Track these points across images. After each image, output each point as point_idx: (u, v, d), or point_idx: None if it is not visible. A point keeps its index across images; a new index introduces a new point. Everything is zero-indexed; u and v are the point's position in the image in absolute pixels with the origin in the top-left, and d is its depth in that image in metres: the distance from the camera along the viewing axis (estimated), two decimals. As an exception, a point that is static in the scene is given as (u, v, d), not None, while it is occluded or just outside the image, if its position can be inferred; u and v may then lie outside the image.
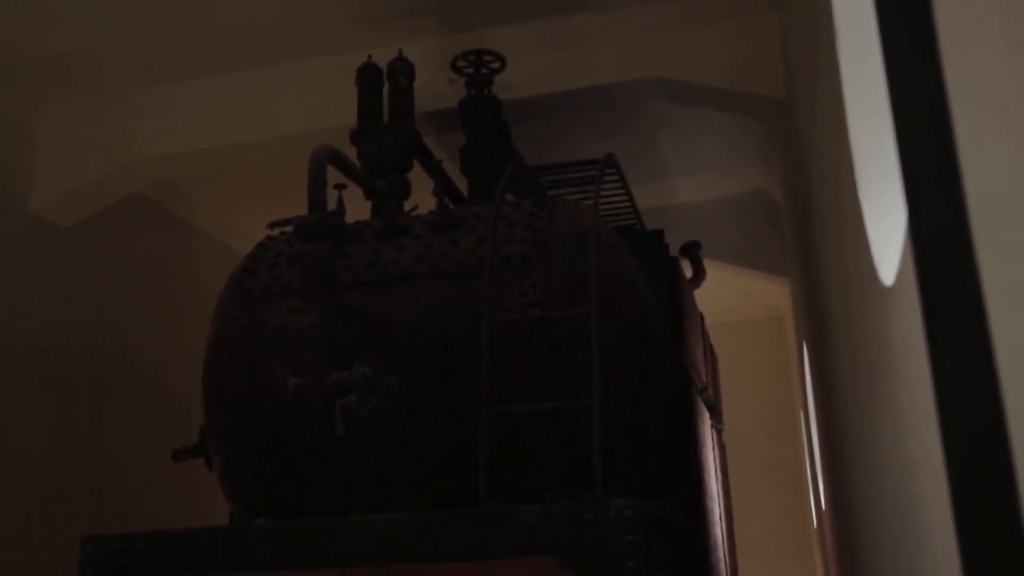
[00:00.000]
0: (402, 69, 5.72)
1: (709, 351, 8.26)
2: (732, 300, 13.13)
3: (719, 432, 7.79)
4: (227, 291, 4.88)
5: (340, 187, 5.67)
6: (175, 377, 7.91)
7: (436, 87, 6.19)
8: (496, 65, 5.92)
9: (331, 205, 5.75)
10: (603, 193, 5.72)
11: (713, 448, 7.28)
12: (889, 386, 2.05)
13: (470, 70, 5.94)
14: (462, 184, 6.08)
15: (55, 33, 6.19)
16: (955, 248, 1.38)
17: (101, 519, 6.77)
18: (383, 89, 5.74)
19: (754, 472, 12.82)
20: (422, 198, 5.56)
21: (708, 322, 8.15)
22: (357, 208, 5.48)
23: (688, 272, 7.32)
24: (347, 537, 3.85)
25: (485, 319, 4.14)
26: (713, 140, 8.61)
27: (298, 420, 4.37)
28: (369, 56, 5.80)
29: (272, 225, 5.54)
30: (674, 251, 6.55)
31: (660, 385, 4.88)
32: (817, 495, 8.84)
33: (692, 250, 7.53)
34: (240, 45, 6.48)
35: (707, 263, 7.99)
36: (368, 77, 5.71)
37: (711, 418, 7.38)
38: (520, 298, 4.35)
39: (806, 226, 5.35)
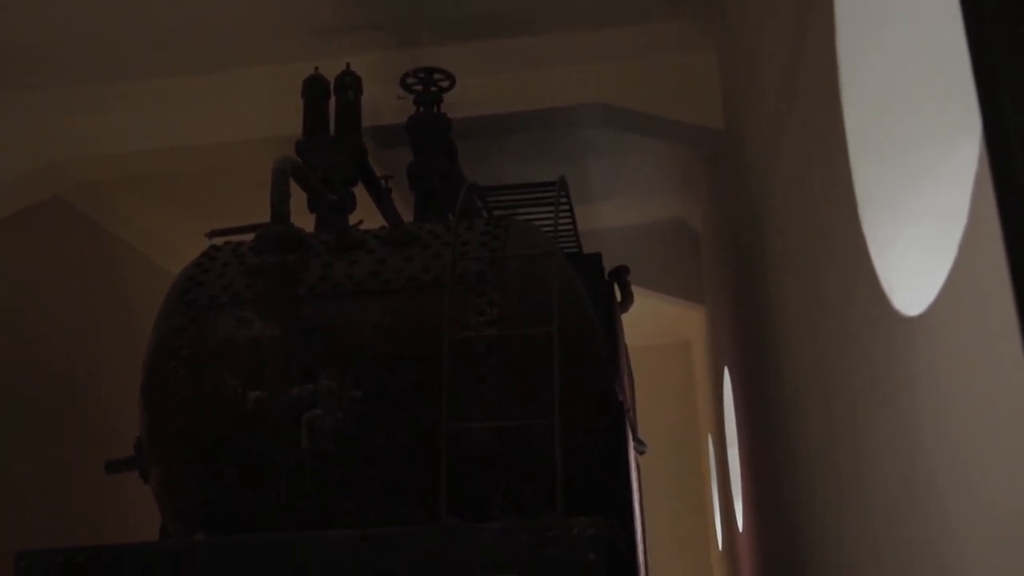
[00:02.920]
0: (350, 82, 5.69)
1: (630, 374, 8.40)
2: (642, 325, 13.38)
3: (640, 454, 7.92)
4: (171, 300, 4.75)
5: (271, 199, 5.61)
6: (94, 386, 7.65)
7: (380, 102, 6.18)
8: (445, 84, 5.95)
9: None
10: (549, 216, 5.80)
11: (635, 469, 7.41)
12: (908, 413, 2.15)
13: (419, 87, 5.95)
14: (403, 200, 6.08)
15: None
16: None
17: (17, 533, 6.51)
18: (329, 101, 5.70)
19: (660, 493, 13.06)
20: (360, 212, 5.53)
21: (619, 346, 8.29)
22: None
23: (617, 296, 7.44)
24: (301, 553, 3.79)
25: (445, 336, 4.15)
26: (638, 168, 8.80)
27: (247, 432, 4.29)
28: (316, 68, 5.76)
29: (212, 234, 5.44)
30: (600, 275, 6.65)
31: (604, 405, 4.95)
32: (728, 516, 9.05)
33: (620, 274, 7.65)
34: (181, 48, 6.35)
35: (625, 288, 8.14)
36: (315, 88, 5.66)
37: (633, 439, 7.50)
38: (477, 316, 4.37)
39: (748, 255, 5.51)
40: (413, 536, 3.76)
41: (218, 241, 5.10)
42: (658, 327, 13.50)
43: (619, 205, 9.47)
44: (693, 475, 13.80)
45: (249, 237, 5.22)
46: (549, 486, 4.17)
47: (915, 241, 2.22)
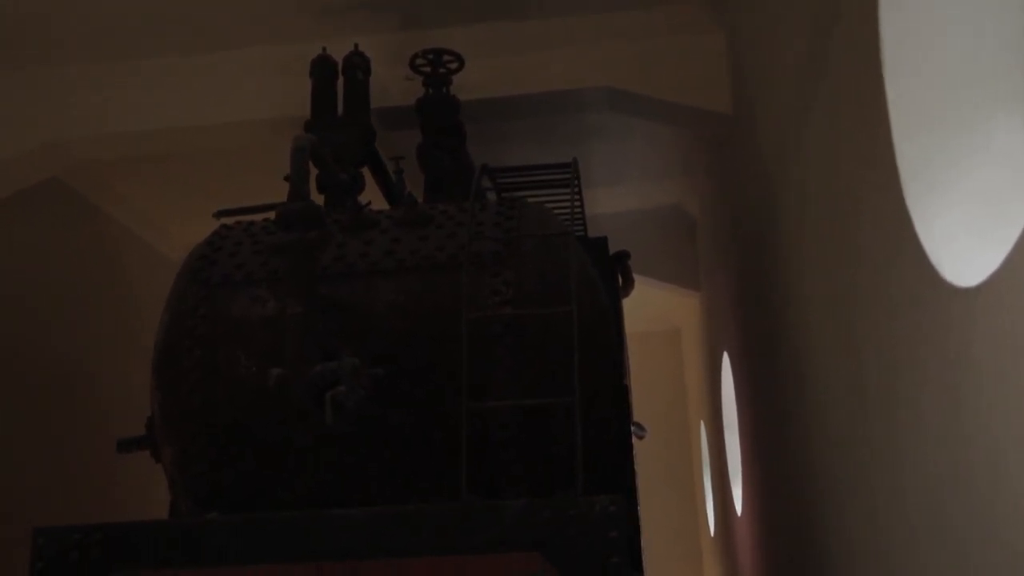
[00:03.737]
0: (358, 63, 5.67)
1: (627, 359, 8.44)
2: (634, 312, 13.39)
3: (639, 438, 7.95)
4: (183, 278, 4.73)
5: (288, 178, 5.58)
6: (93, 367, 7.61)
7: (387, 83, 6.15)
8: (454, 65, 5.93)
9: (279, 196, 5.69)
10: (558, 198, 5.80)
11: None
12: (962, 389, 2.16)
13: (427, 69, 5.93)
14: (411, 181, 6.06)
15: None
16: None
17: (17, 516, 6.48)
18: (337, 82, 5.68)
19: (649, 479, 13.10)
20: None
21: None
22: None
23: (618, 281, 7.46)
24: (323, 531, 3.78)
25: (464, 315, 4.15)
26: (638, 153, 8.82)
27: (263, 411, 4.28)
28: (324, 48, 5.73)
29: (220, 214, 5.42)
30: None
31: (616, 385, 4.98)
32: (723, 502, 9.11)
33: (622, 259, 7.66)
34: (185, 27, 6.30)
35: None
36: (323, 69, 5.64)
37: (632, 424, 7.54)
38: (492, 296, 4.38)
39: (758, 238, 5.53)
40: (435, 514, 3.76)
41: (228, 221, 5.09)
42: (650, 313, 13.52)
43: (617, 190, 9.48)
44: (682, 461, 13.86)
45: (258, 217, 5.23)
46: (564, 466, 4.19)
47: (962, 216, 2.24)
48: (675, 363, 14.55)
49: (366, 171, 5.70)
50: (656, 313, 13.73)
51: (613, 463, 5.24)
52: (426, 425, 4.25)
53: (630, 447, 6.09)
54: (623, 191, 9.68)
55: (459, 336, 4.16)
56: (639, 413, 13.07)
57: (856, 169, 2.97)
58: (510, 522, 3.70)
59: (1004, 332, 1.90)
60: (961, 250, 2.21)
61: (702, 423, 11.61)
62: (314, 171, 4.89)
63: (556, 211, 5.76)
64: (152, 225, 8.69)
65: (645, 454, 12.83)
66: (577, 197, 5.82)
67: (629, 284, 7.91)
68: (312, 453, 4.25)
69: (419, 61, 5.93)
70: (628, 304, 11.93)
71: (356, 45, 5.75)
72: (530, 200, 5.44)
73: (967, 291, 2.08)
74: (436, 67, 5.92)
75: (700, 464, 12.55)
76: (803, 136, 3.86)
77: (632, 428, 7.49)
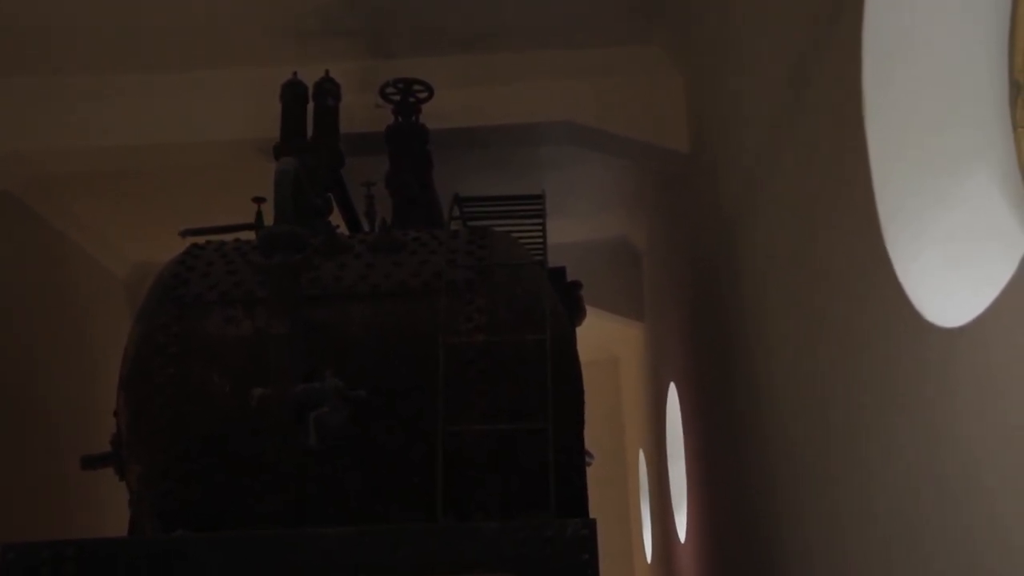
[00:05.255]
0: (329, 88, 5.75)
1: (578, 386, 8.59)
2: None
3: (588, 465, 8.09)
4: (155, 296, 4.75)
5: (260, 200, 5.63)
6: (41, 385, 7.49)
7: (356, 109, 6.24)
8: (424, 95, 6.06)
9: (248, 218, 5.73)
10: (523, 228, 5.95)
11: (582, 479, 7.58)
12: (940, 421, 2.33)
13: (397, 97, 6.04)
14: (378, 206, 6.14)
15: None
16: None
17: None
18: (308, 106, 5.75)
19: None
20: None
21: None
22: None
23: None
24: (298, 550, 3.84)
25: (440, 341, 4.26)
26: (588, 185, 9.01)
27: (235, 429, 4.32)
28: (295, 72, 5.80)
29: (186, 233, 5.46)
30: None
31: (580, 413, 5.12)
32: (664, 528, 9.29)
33: (573, 289, 7.84)
34: (153, 45, 6.31)
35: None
36: (293, 93, 5.70)
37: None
38: (466, 322, 4.50)
39: (714, 272, 5.73)
40: (411, 534, 3.85)
41: (199, 240, 5.13)
42: (591, 343, 13.67)
43: (566, 221, 9.65)
44: (618, 488, 14.02)
45: (228, 237, 5.27)
46: (534, 488, 4.31)
47: (941, 258, 2.42)
48: (612, 392, 14.75)
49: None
50: (597, 342, 13.89)
51: (575, 487, 5.37)
52: (402, 446, 4.34)
53: (584, 473, 6.22)
54: (572, 222, 9.86)
55: (434, 360, 4.27)
56: (577, 440, 13.14)
57: (832, 209, 3.16)
58: (486, 542, 3.81)
59: (988, 373, 2.08)
60: (940, 290, 2.40)
61: (641, 451, 11.79)
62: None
63: (521, 240, 5.92)
64: (103, 243, 8.61)
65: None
66: (541, 228, 5.98)
67: (581, 314, 8.08)
68: (289, 472, 4.30)
69: (389, 90, 6.05)
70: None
71: (327, 71, 5.84)
72: (496, 229, 5.58)
73: (950, 331, 2.27)
74: (406, 96, 6.04)
75: (636, 491, 12.71)
76: (771, 174, 4.07)
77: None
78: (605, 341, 13.83)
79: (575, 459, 5.00)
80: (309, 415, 3.72)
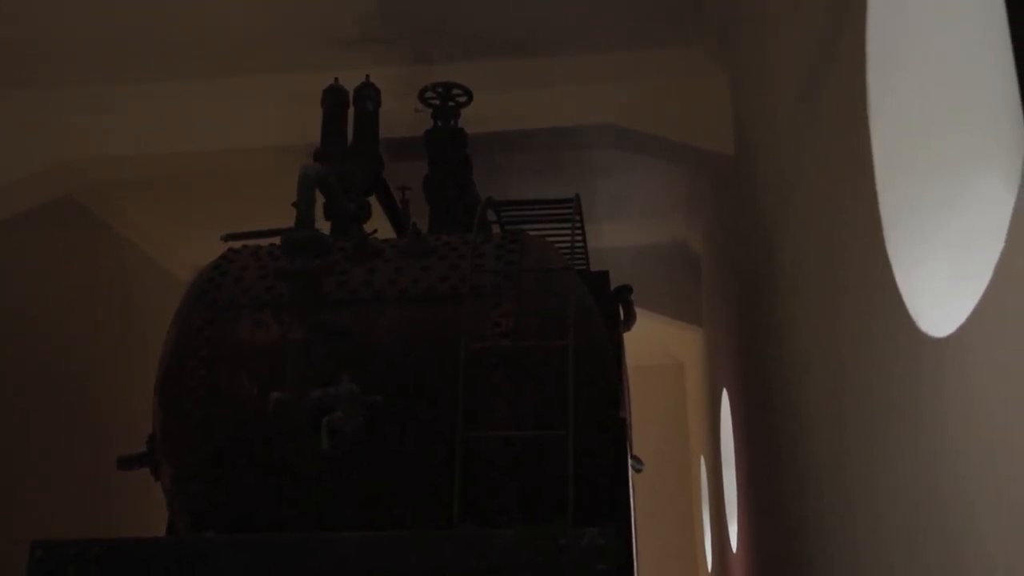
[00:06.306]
0: (369, 94, 5.79)
1: (627, 392, 8.49)
2: (638, 345, 13.45)
3: (636, 472, 7.99)
4: (190, 300, 4.83)
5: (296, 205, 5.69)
6: (96, 384, 7.69)
7: (396, 114, 6.27)
8: (463, 99, 6.05)
9: (287, 221, 5.79)
10: (561, 232, 5.90)
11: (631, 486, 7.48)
12: (932, 433, 2.23)
13: (436, 101, 6.05)
14: (417, 212, 6.17)
15: (1, 21, 6.02)
16: None
17: (18, 527, 6.54)
18: (348, 111, 5.80)
19: (648, 512, 13.10)
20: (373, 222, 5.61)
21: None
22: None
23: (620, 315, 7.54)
24: (317, 553, 3.85)
25: (462, 346, 4.23)
26: (643, 189, 8.92)
27: (262, 433, 4.36)
28: (336, 78, 5.85)
29: (227, 238, 5.53)
30: (604, 293, 6.75)
31: (611, 418, 5.04)
32: (720, 536, 9.13)
33: (624, 294, 7.74)
34: (198, 51, 6.44)
35: (623, 307, 8.24)
36: (335, 98, 5.75)
37: (631, 457, 7.58)
38: (492, 328, 4.46)
39: (755, 278, 5.60)
40: (428, 540, 3.82)
41: (235, 245, 5.19)
42: (653, 348, 13.58)
43: (622, 225, 9.58)
44: (682, 495, 13.86)
45: (265, 241, 5.34)
46: (557, 496, 4.26)
47: (941, 265, 2.31)
48: (678, 397, 14.57)
49: (375, 200, 5.81)
50: (660, 347, 13.78)
51: (608, 496, 5.29)
52: (423, 450, 4.32)
53: (626, 480, 6.13)
54: (628, 226, 9.78)
55: (458, 365, 4.24)
56: (640, 446, 13.05)
57: (843, 215, 3.05)
58: (502, 550, 3.77)
59: (970, 384, 1.98)
60: (936, 299, 2.29)
61: (702, 458, 11.63)
62: (323, 199, 5.01)
63: (558, 245, 5.87)
64: (161, 244, 8.82)
65: (645, 488, 12.86)
66: (579, 232, 5.91)
67: (631, 318, 7.98)
68: (309, 476, 4.32)
69: (428, 94, 6.06)
70: (631, 337, 11.98)
71: (367, 76, 5.88)
72: (532, 233, 5.54)
73: (938, 341, 2.16)
74: (445, 100, 6.04)
75: (700, 499, 12.55)
76: (797, 180, 3.95)
77: (631, 462, 7.55)
78: (669, 346, 13.69)
79: (605, 467, 4.92)
80: (323, 420, 3.72)
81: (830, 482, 3.61)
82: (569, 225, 5.91)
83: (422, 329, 4.48)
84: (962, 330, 2.00)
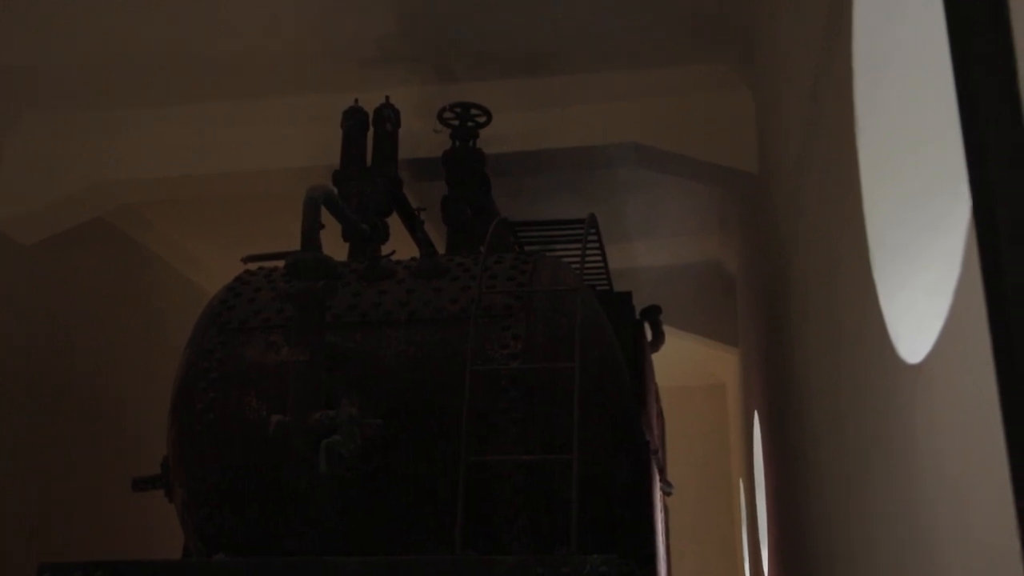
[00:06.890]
0: (388, 115, 5.80)
1: (660, 415, 8.37)
2: (677, 365, 13.32)
3: (667, 495, 7.87)
4: (203, 322, 4.85)
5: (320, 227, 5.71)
6: (130, 404, 7.78)
7: (416, 135, 6.27)
8: (482, 119, 6.03)
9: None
10: (579, 252, 5.83)
11: (661, 510, 7.36)
12: (905, 465, 2.14)
13: (455, 122, 6.04)
14: (436, 232, 6.15)
15: (33, 46, 6.14)
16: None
17: (45, 544, 6.62)
18: (368, 132, 5.81)
19: (689, 537, 12.91)
20: (393, 243, 5.61)
21: (651, 385, 8.27)
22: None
23: (647, 335, 7.44)
24: (319, 578, 3.82)
25: (467, 368, 4.19)
26: (673, 208, 8.82)
27: (269, 456, 4.35)
28: (356, 99, 5.87)
29: (247, 259, 5.55)
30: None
31: (626, 442, 4.95)
32: (755, 562, 8.95)
33: (653, 314, 7.64)
34: (222, 76, 6.50)
35: (660, 327, 8.13)
36: (354, 119, 5.77)
37: (660, 480, 7.47)
38: (501, 349, 4.41)
39: (776, 300, 5.50)
40: (430, 565, 3.78)
41: (252, 266, 5.21)
42: (694, 368, 13.43)
43: (654, 245, 9.48)
44: (723, 518, 13.66)
45: (282, 263, 5.35)
46: (566, 521, 4.18)
47: (923, 288, 2.22)
48: (719, 418, 14.38)
49: (397, 221, 5.81)
50: (701, 367, 13.63)
51: (625, 519, 5.20)
52: (430, 475, 4.28)
53: (650, 503, 6.02)
54: (662, 245, 9.68)
55: (464, 387, 4.20)
56: (683, 467, 12.93)
57: (838, 235, 2.96)
58: (502, 576, 3.70)
59: (939, 410, 1.88)
60: (916, 324, 2.19)
61: (740, 481, 11.45)
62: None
63: (575, 265, 5.81)
64: (191, 261, 8.92)
65: (686, 509, 12.69)
66: (597, 252, 5.85)
67: (659, 338, 7.87)
68: (316, 499, 4.30)
69: (447, 114, 6.05)
70: (671, 358, 11.91)
71: (387, 97, 5.89)
72: (549, 254, 5.49)
73: (912, 368, 2.06)
74: (464, 120, 6.02)
75: (740, 522, 12.36)
76: (804, 199, 3.86)
77: (659, 485, 7.44)
78: (710, 366, 13.53)
79: (621, 489, 4.83)
80: (322, 443, 3.69)
81: (836, 516, 3.50)
82: (591, 245, 5.85)
83: (430, 351, 4.44)
84: (929, 356, 1.91)
